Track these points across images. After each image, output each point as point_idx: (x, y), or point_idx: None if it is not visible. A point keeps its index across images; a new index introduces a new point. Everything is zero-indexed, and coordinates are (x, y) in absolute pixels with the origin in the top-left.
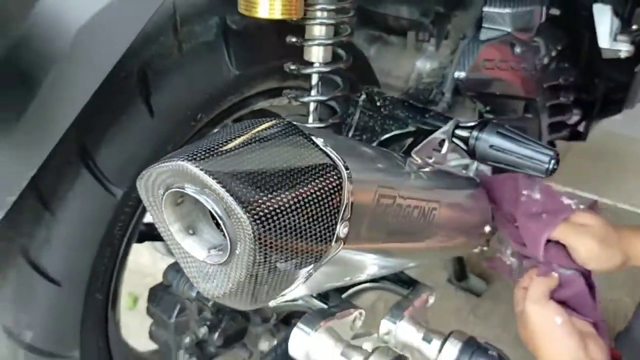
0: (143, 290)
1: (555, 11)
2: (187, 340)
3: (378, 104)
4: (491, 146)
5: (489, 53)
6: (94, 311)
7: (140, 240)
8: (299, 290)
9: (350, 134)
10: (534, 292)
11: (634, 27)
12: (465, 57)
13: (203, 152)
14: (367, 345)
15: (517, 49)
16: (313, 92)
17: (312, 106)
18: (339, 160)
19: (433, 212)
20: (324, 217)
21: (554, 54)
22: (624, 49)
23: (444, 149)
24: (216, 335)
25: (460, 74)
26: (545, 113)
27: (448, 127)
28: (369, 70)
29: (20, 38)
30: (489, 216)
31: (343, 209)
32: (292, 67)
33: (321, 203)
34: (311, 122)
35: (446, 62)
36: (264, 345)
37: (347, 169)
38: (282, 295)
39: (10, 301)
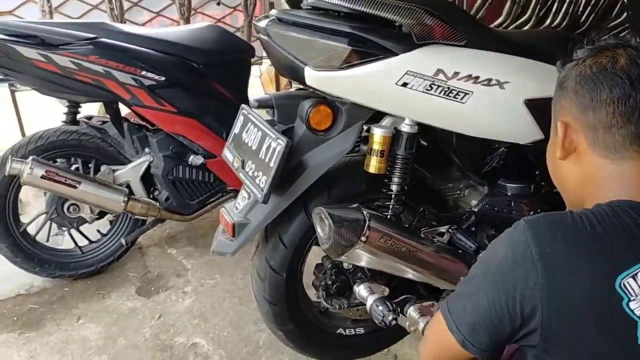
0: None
1: None
2: (322, 283)
3: (427, 213)
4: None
5: None
6: (296, 261)
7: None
8: (360, 261)
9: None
10: None
11: None
12: None
13: (333, 207)
14: None
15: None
16: (393, 201)
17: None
18: (367, 218)
19: (415, 252)
20: (357, 231)
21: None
22: None
23: (445, 236)
24: (334, 285)
25: None
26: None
27: (447, 229)
28: (425, 192)
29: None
30: (461, 271)
31: (365, 231)
32: (384, 189)
33: (355, 228)
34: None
35: None
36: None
37: (370, 220)
38: (347, 257)
39: (270, 249)
